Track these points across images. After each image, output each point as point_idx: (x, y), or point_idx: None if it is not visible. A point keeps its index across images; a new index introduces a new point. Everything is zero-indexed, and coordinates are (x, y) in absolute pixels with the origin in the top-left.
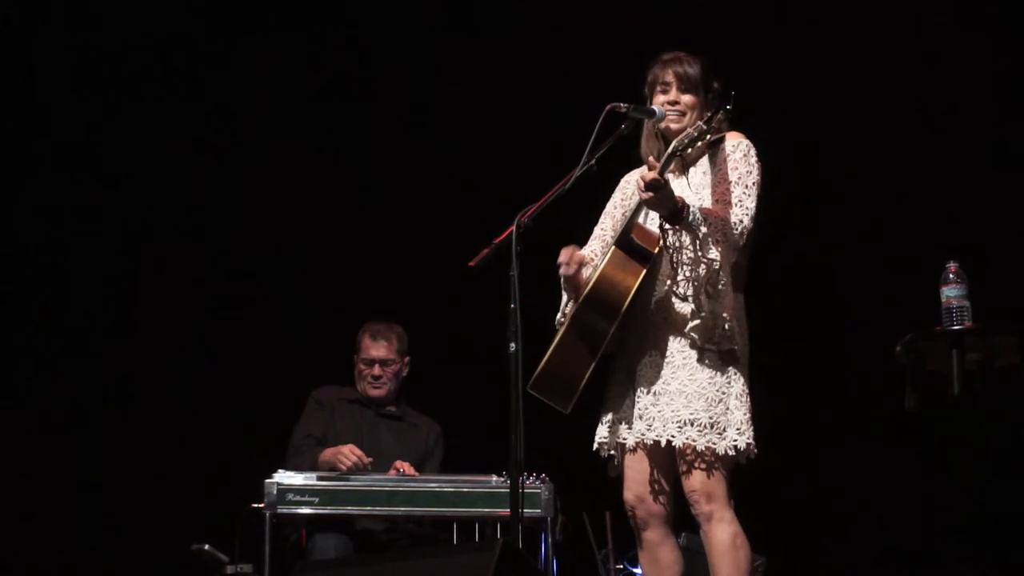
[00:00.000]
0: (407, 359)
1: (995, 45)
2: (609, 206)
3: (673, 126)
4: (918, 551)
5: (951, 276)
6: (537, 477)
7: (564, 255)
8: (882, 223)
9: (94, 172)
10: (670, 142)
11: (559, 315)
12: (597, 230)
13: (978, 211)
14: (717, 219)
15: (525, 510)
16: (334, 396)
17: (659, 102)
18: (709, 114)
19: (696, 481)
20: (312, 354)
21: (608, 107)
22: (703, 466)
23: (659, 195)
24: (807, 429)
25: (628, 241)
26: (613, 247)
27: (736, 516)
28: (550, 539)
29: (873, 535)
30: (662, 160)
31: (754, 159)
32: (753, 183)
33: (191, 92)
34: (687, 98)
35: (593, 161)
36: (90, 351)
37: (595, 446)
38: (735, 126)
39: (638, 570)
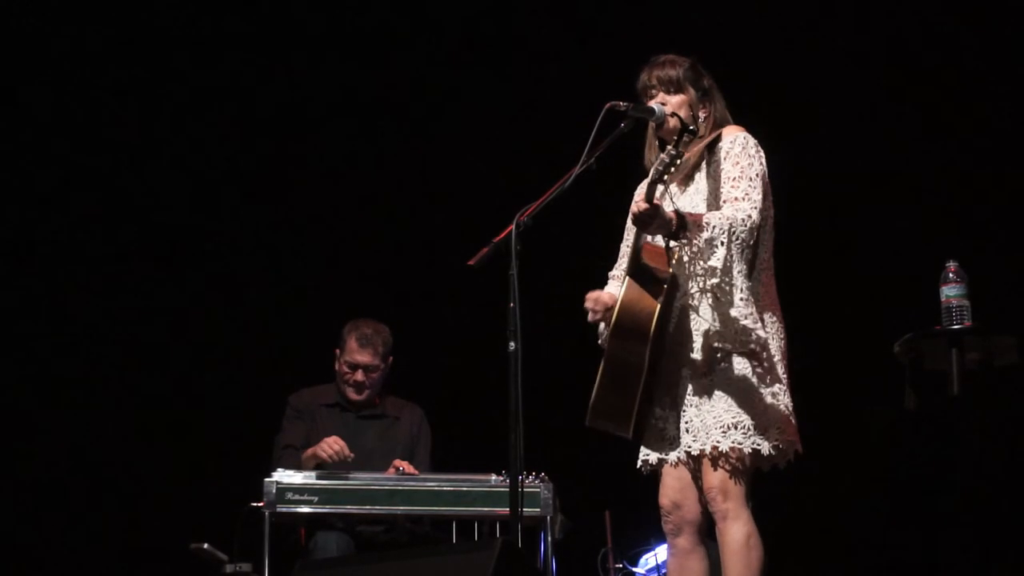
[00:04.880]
0: (391, 359)
1: (996, 43)
2: (629, 222)
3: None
4: (918, 551)
5: (951, 275)
6: (537, 476)
7: (589, 302)
8: (882, 222)
9: (96, 178)
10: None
11: (600, 339)
12: (623, 247)
13: (978, 211)
14: (720, 220)
15: (524, 509)
16: (311, 401)
17: None
18: (676, 138)
19: (716, 478)
20: (312, 353)
21: (607, 106)
22: (726, 465)
23: (653, 223)
24: (807, 429)
25: (640, 266)
26: (627, 277)
27: (752, 517)
28: (550, 538)
29: (873, 535)
30: (645, 190)
31: (753, 150)
32: (756, 174)
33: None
34: (674, 99)
35: (592, 160)
36: (90, 350)
37: (639, 464)
38: (733, 121)
39: (638, 569)
